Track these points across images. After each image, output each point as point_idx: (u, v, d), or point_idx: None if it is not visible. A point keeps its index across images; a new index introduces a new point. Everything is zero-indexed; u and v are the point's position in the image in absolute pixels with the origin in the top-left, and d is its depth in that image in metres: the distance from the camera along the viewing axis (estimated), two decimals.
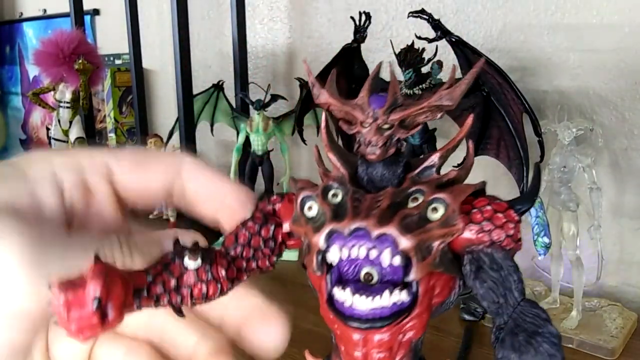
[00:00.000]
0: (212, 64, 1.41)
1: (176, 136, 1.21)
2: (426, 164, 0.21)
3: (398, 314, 0.19)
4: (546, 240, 0.76)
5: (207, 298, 0.20)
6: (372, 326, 0.19)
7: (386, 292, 0.19)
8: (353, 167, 0.22)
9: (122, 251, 0.22)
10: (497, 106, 0.81)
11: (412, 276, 0.19)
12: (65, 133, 1.16)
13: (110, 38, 1.68)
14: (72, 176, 0.24)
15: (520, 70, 0.91)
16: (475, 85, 0.81)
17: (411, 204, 0.20)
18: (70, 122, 1.16)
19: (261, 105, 1.09)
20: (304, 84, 1.16)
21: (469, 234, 0.20)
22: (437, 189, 0.20)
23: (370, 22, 0.89)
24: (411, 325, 0.20)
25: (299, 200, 0.21)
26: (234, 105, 1.24)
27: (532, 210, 0.77)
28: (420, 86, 0.83)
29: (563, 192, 0.76)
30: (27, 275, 0.20)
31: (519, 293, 0.19)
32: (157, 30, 1.53)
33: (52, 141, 1.18)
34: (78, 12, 1.36)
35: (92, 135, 1.35)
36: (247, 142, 1.13)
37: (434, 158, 0.21)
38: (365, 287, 0.19)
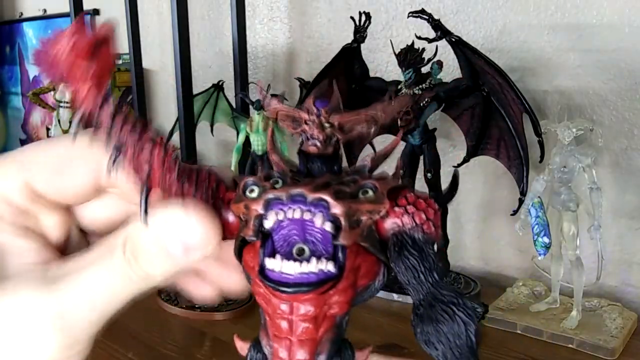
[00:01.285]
0: (212, 64, 1.41)
1: (176, 136, 1.21)
2: (359, 164, 0.23)
3: (324, 281, 0.20)
4: (546, 240, 0.77)
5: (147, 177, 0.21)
6: (298, 290, 0.20)
7: (313, 259, 0.20)
8: (293, 166, 0.24)
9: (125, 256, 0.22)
10: (497, 106, 0.81)
11: (341, 240, 0.20)
12: (65, 133, 1.16)
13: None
14: (9, 209, 0.24)
15: (520, 70, 0.91)
16: (475, 85, 0.81)
17: (344, 187, 0.21)
18: (70, 122, 1.16)
19: (261, 105, 1.09)
20: (304, 84, 1.16)
21: (394, 218, 0.22)
22: (368, 178, 0.22)
23: (370, 22, 0.89)
24: (336, 300, 0.21)
25: (241, 185, 0.23)
26: (234, 105, 1.24)
27: (532, 210, 0.77)
28: (420, 86, 0.83)
29: (563, 192, 0.76)
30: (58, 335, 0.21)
31: (437, 274, 0.21)
32: (157, 30, 1.53)
33: None
34: (78, 12, 1.36)
35: None
36: (247, 142, 1.13)
37: (367, 159, 0.24)
38: (294, 257, 0.21)
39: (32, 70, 2.01)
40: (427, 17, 0.80)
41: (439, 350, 0.20)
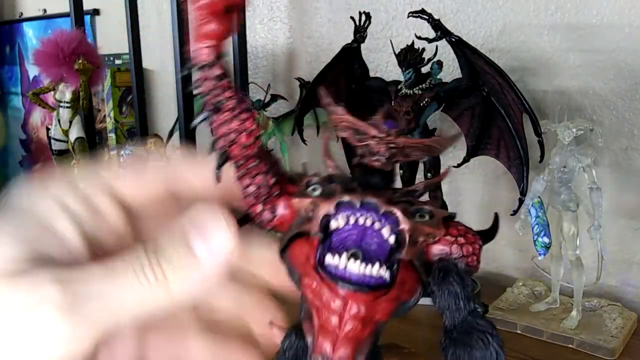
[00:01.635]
0: None
1: (176, 136, 1.21)
2: (411, 188, 0.25)
3: (380, 286, 0.22)
4: (546, 240, 0.77)
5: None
6: (360, 289, 0.21)
7: (377, 264, 0.21)
8: (345, 177, 0.25)
9: (150, 264, 0.22)
10: (497, 106, 0.81)
11: (402, 254, 0.22)
12: (65, 133, 1.16)
13: (110, 38, 1.68)
14: (81, 206, 0.24)
15: (520, 70, 0.91)
16: (475, 85, 0.81)
17: (407, 207, 0.23)
18: (70, 122, 1.16)
19: (261, 105, 1.09)
20: (304, 84, 1.16)
21: (444, 245, 0.23)
22: (421, 203, 0.24)
23: (370, 22, 0.89)
24: (383, 307, 0.22)
25: (304, 182, 0.24)
26: None
27: (532, 210, 0.77)
28: (420, 86, 0.83)
29: (563, 192, 0.76)
30: (66, 321, 0.20)
31: (473, 303, 0.22)
32: (157, 30, 1.53)
33: (52, 141, 1.18)
34: (78, 12, 1.35)
35: (92, 135, 1.35)
36: None
37: (420, 186, 0.25)
38: (356, 256, 0.22)
39: (32, 70, 2.01)
40: (427, 17, 0.80)
41: None
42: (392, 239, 0.22)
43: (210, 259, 0.22)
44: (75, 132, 1.16)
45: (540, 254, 0.78)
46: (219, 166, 0.24)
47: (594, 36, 0.86)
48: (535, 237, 0.77)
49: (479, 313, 0.22)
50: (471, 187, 1.01)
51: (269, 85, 1.11)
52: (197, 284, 0.23)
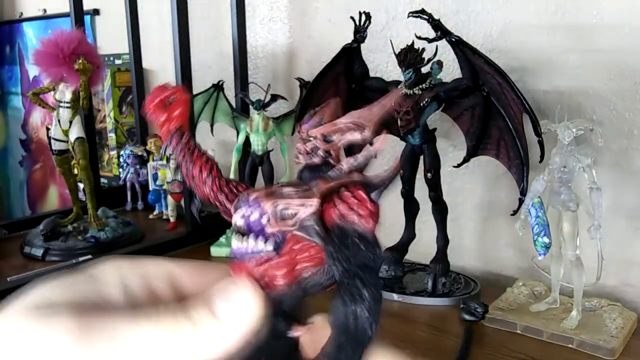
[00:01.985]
0: (212, 64, 1.41)
1: None
2: (335, 170, 0.26)
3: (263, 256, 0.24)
4: (546, 240, 0.77)
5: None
6: (240, 259, 0.24)
7: (251, 238, 0.24)
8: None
9: (172, 317, 0.23)
10: (497, 106, 0.81)
11: (270, 229, 0.24)
12: (65, 133, 1.16)
13: (110, 38, 1.68)
14: (138, 280, 0.25)
15: (520, 70, 0.91)
16: (475, 85, 0.81)
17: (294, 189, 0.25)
18: (70, 122, 1.15)
19: (261, 105, 1.09)
20: (304, 84, 1.16)
21: (333, 211, 0.24)
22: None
23: (370, 22, 0.89)
24: (274, 271, 0.24)
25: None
26: (234, 105, 1.24)
27: (532, 210, 0.77)
28: (420, 86, 0.83)
29: (563, 192, 0.76)
30: (79, 347, 0.21)
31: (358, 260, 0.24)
32: (157, 30, 1.52)
33: (52, 141, 1.17)
34: (78, 12, 1.35)
35: (92, 135, 1.35)
36: (247, 142, 1.13)
37: (344, 165, 0.26)
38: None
39: (32, 70, 2.01)
40: (427, 17, 0.80)
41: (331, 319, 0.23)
42: (264, 219, 0.24)
43: (231, 321, 0.23)
44: (75, 132, 1.16)
45: (540, 254, 0.78)
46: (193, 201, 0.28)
47: (594, 36, 0.86)
48: (535, 237, 0.77)
49: (373, 268, 0.23)
50: (471, 187, 1.01)
51: (269, 85, 1.11)
52: (215, 343, 0.23)
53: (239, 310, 0.23)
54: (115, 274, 0.25)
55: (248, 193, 0.26)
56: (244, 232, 0.25)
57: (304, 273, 0.24)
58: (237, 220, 0.25)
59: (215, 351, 0.23)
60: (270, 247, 0.24)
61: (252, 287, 0.24)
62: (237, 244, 0.25)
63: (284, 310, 0.25)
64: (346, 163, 0.26)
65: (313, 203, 0.24)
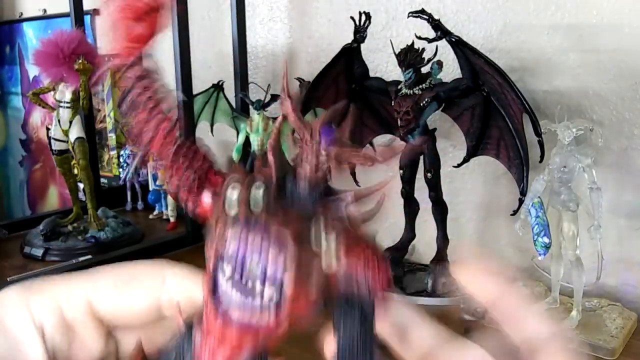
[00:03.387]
0: (212, 64, 1.41)
1: None
2: (340, 197, 0.23)
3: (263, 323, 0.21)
4: (546, 240, 0.76)
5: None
6: (241, 328, 0.21)
7: (257, 296, 0.21)
8: (283, 172, 0.24)
9: None
10: (497, 106, 0.81)
11: (285, 291, 0.21)
12: (65, 133, 1.16)
13: (110, 38, 1.68)
14: (52, 318, 0.23)
15: (520, 70, 0.91)
16: (475, 85, 0.81)
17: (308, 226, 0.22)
18: (70, 122, 1.15)
19: (261, 105, 1.09)
20: (304, 84, 1.16)
21: (348, 269, 0.22)
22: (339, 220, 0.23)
23: (370, 22, 0.89)
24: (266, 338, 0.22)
25: (227, 178, 0.23)
26: (234, 105, 1.24)
27: (532, 210, 0.77)
28: (420, 86, 0.83)
29: (563, 192, 0.76)
30: None
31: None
32: None
33: (52, 141, 1.17)
34: (78, 12, 1.35)
35: (92, 135, 1.35)
36: (247, 142, 1.13)
37: (348, 196, 0.23)
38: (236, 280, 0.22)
39: (32, 70, 2.01)
40: (427, 17, 0.80)
41: None
42: (279, 272, 0.21)
43: None
44: (75, 132, 1.16)
45: (540, 254, 0.78)
46: (141, 159, 0.24)
47: (594, 36, 0.86)
48: (535, 237, 0.77)
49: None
50: (471, 187, 1.01)
51: (269, 85, 1.11)
52: None
53: None
54: (25, 316, 0.23)
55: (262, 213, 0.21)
56: (236, 273, 0.21)
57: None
58: (229, 247, 0.21)
59: None
60: (274, 297, 0.21)
61: None
62: (237, 296, 0.21)
63: None
64: (351, 198, 0.23)
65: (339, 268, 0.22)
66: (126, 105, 0.23)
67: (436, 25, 0.80)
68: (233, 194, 0.22)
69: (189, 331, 0.23)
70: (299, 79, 1.18)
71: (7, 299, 0.23)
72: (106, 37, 0.23)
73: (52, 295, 0.24)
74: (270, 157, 0.24)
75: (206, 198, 0.24)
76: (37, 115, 2.08)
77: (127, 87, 0.23)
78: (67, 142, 1.18)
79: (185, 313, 0.24)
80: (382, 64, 1.07)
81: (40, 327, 0.23)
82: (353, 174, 0.85)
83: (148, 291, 0.25)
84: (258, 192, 0.22)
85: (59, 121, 1.17)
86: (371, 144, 0.98)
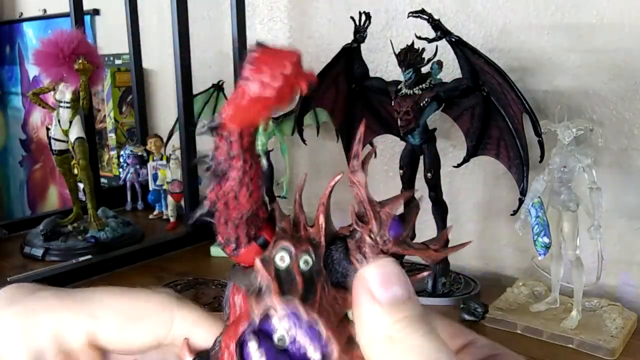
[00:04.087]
0: (212, 64, 1.41)
1: (176, 136, 1.21)
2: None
3: None
4: (546, 240, 0.76)
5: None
6: None
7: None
8: (330, 237, 0.23)
9: None
10: (497, 106, 0.81)
11: None
12: (65, 133, 1.16)
13: (110, 38, 1.68)
14: (55, 347, 0.23)
15: (520, 70, 0.91)
16: (475, 85, 0.81)
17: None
18: (70, 122, 1.15)
19: None
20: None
21: None
22: None
23: (370, 22, 0.89)
24: None
25: (276, 243, 0.22)
26: None
27: (532, 210, 0.77)
28: (420, 86, 0.83)
29: (563, 192, 0.76)
30: None
31: None
32: (157, 30, 1.52)
33: (52, 141, 1.17)
34: (78, 12, 1.35)
35: (92, 135, 1.35)
36: None
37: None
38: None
39: (32, 70, 2.01)
40: (427, 17, 0.80)
41: None
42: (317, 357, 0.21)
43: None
44: (75, 132, 1.16)
45: (540, 254, 0.78)
46: (204, 214, 0.23)
47: (594, 36, 0.86)
48: (535, 237, 0.77)
49: None
50: (471, 187, 1.01)
51: None
52: None
53: None
54: (29, 345, 0.23)
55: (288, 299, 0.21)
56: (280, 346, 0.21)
57: None
58: (279, 328, 0.21)
59: None
60: None
61: None
62: None
63: None
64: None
65: None
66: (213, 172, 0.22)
67: (436, 25, 0.80)
68: (282, 263, 0.22)
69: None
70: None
71: (2, 325, 0.23)
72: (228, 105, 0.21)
73: (51, 323, 0.23)
74: (321, 221, 0.23)
75: (246, 252, 0.23)
76: (37, 115, 2.08)
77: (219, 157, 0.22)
78: (67, 142, 1.18)
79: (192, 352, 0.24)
80: (382, 64, 1.07)
81: (36, 356, 0.23)
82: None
83: (154, 331, 0.24)
84: (306, 263, 0.22)
85: (59, 121, 1.17)
86: (371, 144, 0.98)
